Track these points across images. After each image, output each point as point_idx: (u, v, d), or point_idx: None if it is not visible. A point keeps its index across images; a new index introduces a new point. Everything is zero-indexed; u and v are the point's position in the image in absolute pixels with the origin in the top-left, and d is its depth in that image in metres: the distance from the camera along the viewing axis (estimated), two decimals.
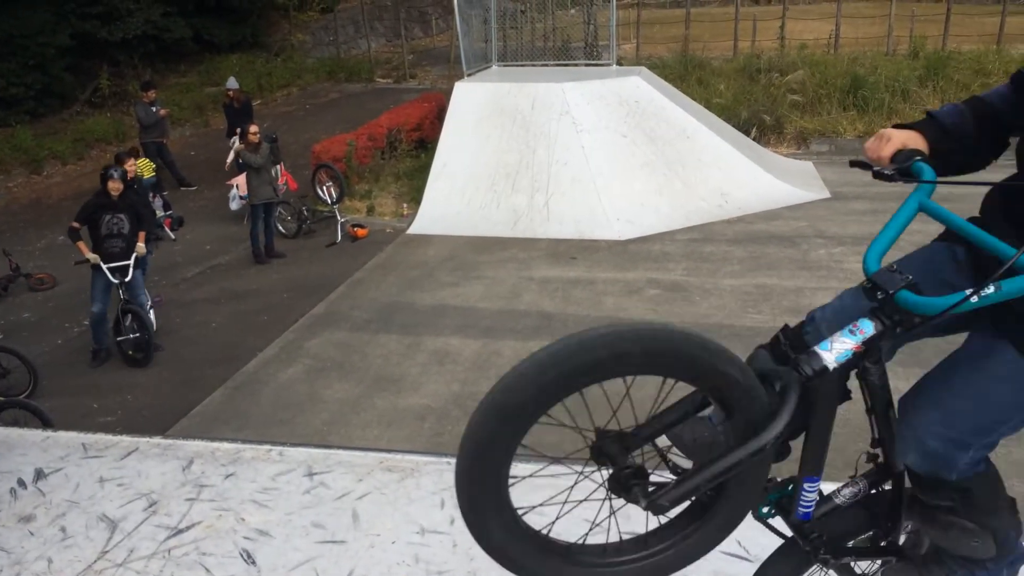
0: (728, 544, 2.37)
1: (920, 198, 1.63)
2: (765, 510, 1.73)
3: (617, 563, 1.59)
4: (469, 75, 12.70)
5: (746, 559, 2.35)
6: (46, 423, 5.57)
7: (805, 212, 10.74)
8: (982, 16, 17.28)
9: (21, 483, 2.93)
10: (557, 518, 1.55)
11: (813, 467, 1.63)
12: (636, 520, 1.58)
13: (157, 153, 12.96)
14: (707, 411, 1.60)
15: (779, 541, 1.85)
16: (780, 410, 1.46)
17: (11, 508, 2.80)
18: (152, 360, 7.74)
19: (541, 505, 1.54)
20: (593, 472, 1.52)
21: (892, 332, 1.52)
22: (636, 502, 1.44)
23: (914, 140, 1.70)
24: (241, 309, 9.01)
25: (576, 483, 1.52)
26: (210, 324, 8.62)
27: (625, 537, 1.61)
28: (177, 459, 3.07)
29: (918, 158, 1.65)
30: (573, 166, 11.00)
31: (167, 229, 11.23)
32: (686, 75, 15.72)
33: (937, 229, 1.78)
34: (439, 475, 2.89)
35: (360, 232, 11.03)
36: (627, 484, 1.44)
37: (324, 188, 11.53)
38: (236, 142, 11.35)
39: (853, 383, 1.60)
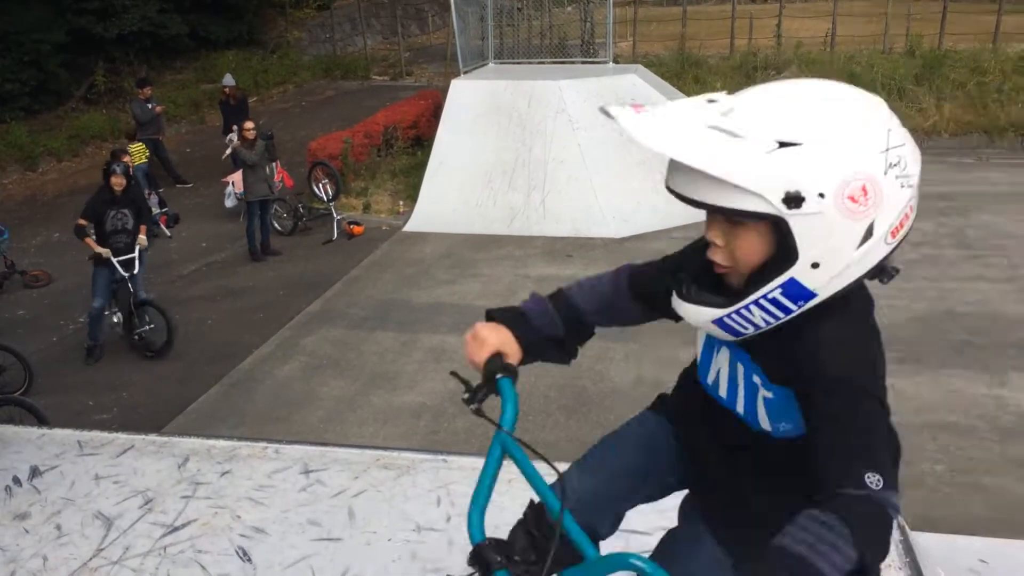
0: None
1: (502, 440, 1.44)
2: None
3: None
4: (465, 72, 12.69)
5: None
6: (41, 420, 5.56)
7: None
8: (979, 14, 17.30)
9: (16, 480, 2.92)
10: None
11: None
12: None
13: (153, 150, 12.93)
14: None
15: None
16: None
17: (6, 506, 2.80)
18: (172, 351, 7.78)
19: None
20: None
21: None
22: None
23: (507, 343, 1.54)
24: (237, 306, 9.00)
25: None
26: (206, 321, 8.61)
27: None
28: (173, 456, 3.06)
29: (502, 375, 1.49)
30: (569, 164, 11.00)
31: (163, 226, 11.22)
32: (682, 73, 15.74)
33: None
34: (435, 472, 2.89)
35: (356, 230, 11.02)
36: None
37: (320, 185, 11.51)
38: (235, 138, 11.34)
39: None
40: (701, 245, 1.40)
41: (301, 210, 11.37)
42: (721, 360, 1.47)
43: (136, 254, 7.78)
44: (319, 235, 11.15)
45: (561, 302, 1.63)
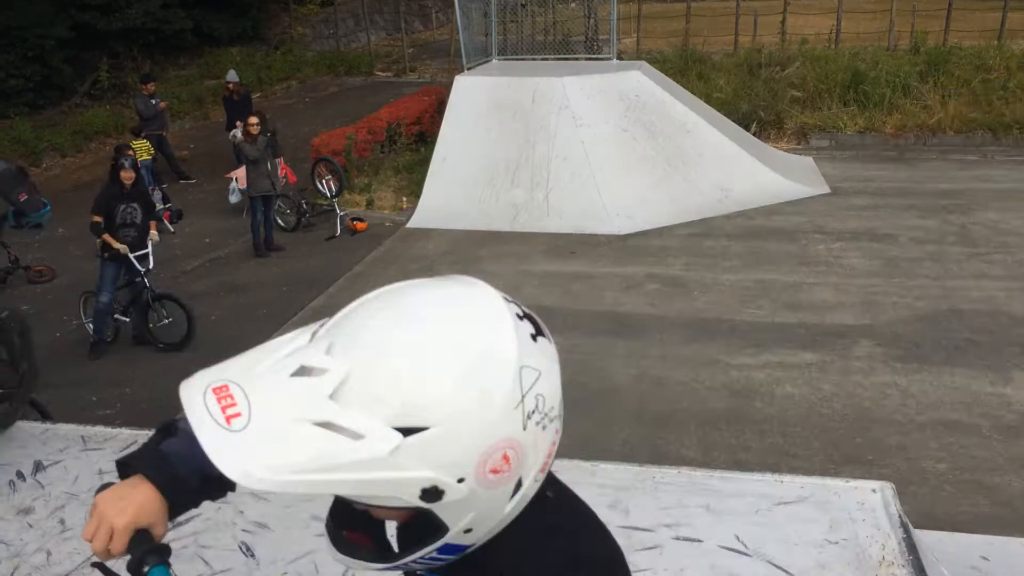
0: (726, 539, 2.38)
1: None
2: None
3: None
4: (469, 69, 12.67)
5: (744, 554, 2.36)
6: (45, 415, 5.57)
7: (805, 207, 10.74)
8: (984, 11, 17.25)
9: (20, 475, 2.93)
10: None
11: None
12: None
13: (157, 146, 12.94)
14: None
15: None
16: None
17: (10, 500, 2.81)
18: (193, 343, 7.82)
19: None
20: None
21: None
22: None
23: (149, 512, 1.19)
24: (240, 302, 9.01)
25: None
26: (210, 317, 8.61)
27: None
28: None
29: (154, 563, 1.15)
30: (573, 161, 10.99)
31: (166, 222, 11.22)
32: (686, 70, 15.69)
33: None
34: None
35: (359, 226, 11.03)
36: None
37: (323, 182, 11.52)
38: (238, 134, 11.34)
39: None
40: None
41: (304, 206, 11.37)
42: None
43: (149, 249, 7.82)
44: (322, 231, 11.16)
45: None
